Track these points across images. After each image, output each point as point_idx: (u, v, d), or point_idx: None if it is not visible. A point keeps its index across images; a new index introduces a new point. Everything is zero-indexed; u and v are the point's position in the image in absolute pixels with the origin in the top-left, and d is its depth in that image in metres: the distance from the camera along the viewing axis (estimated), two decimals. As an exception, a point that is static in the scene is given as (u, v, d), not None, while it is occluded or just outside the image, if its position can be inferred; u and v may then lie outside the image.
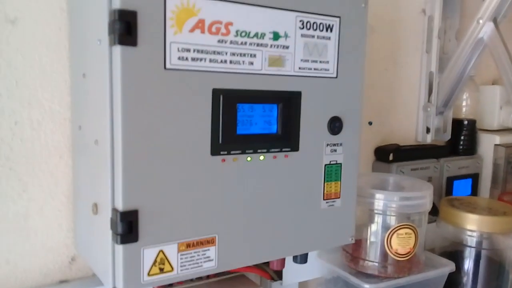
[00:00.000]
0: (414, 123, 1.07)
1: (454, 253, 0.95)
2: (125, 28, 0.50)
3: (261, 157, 0.61)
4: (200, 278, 0.77)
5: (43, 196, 0.66)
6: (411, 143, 1.07)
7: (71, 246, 0.68)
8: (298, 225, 0.66)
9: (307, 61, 0.63)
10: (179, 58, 0.54)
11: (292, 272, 0.83)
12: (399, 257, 0.79)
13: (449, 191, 1.08)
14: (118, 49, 0.50)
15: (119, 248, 0.52)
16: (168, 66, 0.53)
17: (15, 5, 0.61)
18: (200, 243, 0.57)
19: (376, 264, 0.81)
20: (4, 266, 0.64)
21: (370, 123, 1.00)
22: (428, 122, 1.06)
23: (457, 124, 1.11)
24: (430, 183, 0.98)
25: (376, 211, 0.80)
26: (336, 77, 0.67)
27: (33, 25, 0.63)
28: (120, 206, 0.52)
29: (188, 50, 0.54)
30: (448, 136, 1.09)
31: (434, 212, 0.98)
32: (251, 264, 0.64)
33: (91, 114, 0.58)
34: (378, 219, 0.80)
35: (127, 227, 0.52)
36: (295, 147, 0.64)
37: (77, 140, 0.64)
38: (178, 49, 0.53)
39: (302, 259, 0.72)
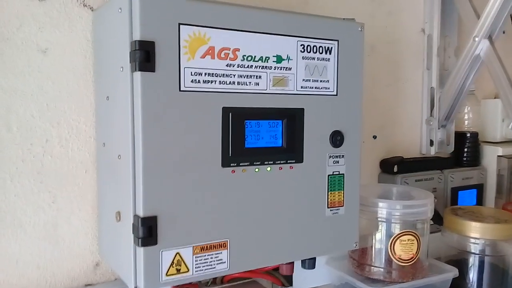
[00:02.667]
0: (418, 136, 1.12)
1: (459, 261, 0.98)
2: (144, 56, 0.57)
3: (268, 169, 0.67)
4: (214, 283, 0.83)
5: (70, 206, 0.72)
6: (416, 156, 1.12)
7: (96, 252, 0.75)
8: (304, 231, 0.71)
9: (308, 80, 0.70)
10: (192, 81, 0.60)
11: (302, 279, 0.88)
12: (403, 262, 0.84)
13: (454, 201, 1.12)
14: (138, 75, 0.57)
15: (140, 250, 0.58)
16: (182, 88, 0.60)
17: (46, 37, 0.69)
18: (213, 247, 0.63)
19: (382, 269, 0.85)
20: (35, 270, 0.71)
21: (374, 137, 1.05)
22: (431, 135, 1.10)
23: (460, 136, 1.15)
24: (435, 193, 1.02)
25: (380, 219, 0.84)
26: (336, 95, 0.73)
27: (62, 54, 0.70)
28: (141, 213, 0.58)
29: (200, 74, 0.61)
30: (451, 148, 1.13)
31: (439, 221, 1.02)
32: (261, 266, 0.70)
33: (114, 132, 0.65)
34: (382, 226, 0.85)
35: (147, 231, 0.58)
36: (299, 159, 0.70)
37: (101, 155, 0.71)
38: (191, 73, 0.60)
39: (310, 264, 0.77)
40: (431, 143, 1.11)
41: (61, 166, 0.72)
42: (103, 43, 0.68)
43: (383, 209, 0.83)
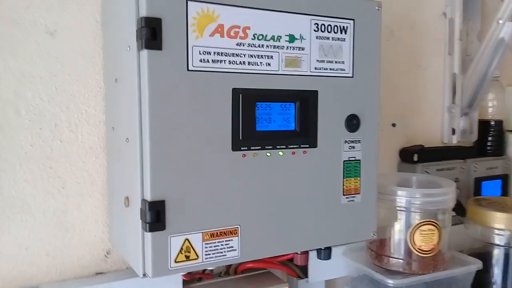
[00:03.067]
0: (439, 125, 1.08)
1: (483, 254, 0.94)
2: (150, 34, 0.55)
3: (280, 153, 0.65)
4: (227, 274, 0.80)
5: (80, 193, 0.71)
6: (437, 145, 1.08)
7: (107, 240, 0.73)
8: (318, 219, 0.68)
9: (322, 61, 0.67)
10: (200, 61, 0.58)
11: (318, 270, 0.85)
12: (423, 253, 0.80)
13: (477, 192, 1.08)
14: (145, 53, 0.55)
15: (148, 236, 0.56)
16: (190, 68, 0.58)
17: (54, 19, 0.68)
18: (224, 233, 0.61)
19: (401, 261, 0.82)
20: (44, 257, 0.69)
21: (393, 125, 1.02)
22: (453, 123, 1.06)
23: (484, 125, 1.11)
24: (457, 184, 0.98)
25: (399, 208, 0.81)
26: (352, 77, 0.70)
27: (71, 36, 0.69)
28: (148, 197, 0.56)
29: (209, 53, 0.59)
30: (474, 137, 1.09)
31: (462, 213, 0.98)
32: (273, 255, 0.67)
33: (123, 115, 0.63)
34: (401, 216, 0.82)
35: (155, 216, 0.56)
36: (313, 144, 0.67)
37: (111, 140, 0.70)
38: (199, 52, 0.58)
39: (325, 255, 0.74)
40: (453, 131, 1.06)
41: (70, 151, 0.70)
42: (111, 23, 0.67)
43: (402, 197, 0.80)
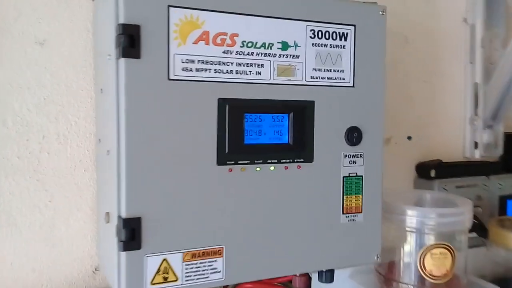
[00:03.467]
0: (460, 138, 1.01)
1: (507, 280, 0.87)
2: (128, 41, 0.52)
3: (272, 168, 0.60)
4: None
5: (68, 207, 0.69)
6: (458, 159, 1.01)
7: (95, 256, 0.71)
8: (314, 240, 0.63)
9: (319, 70, 0.62)
10: (183, 69, 0.55)
11: (322, 293, 0.80)
12: (434, 279, 0.73)
13: (502, 211, 1.00)
14: (122, 61, 0.52)
15: (123, 255, 0.53)
16: (172, 76, 0.54)
17: (44, 29, 0.66)
18: (207, 254, 0.57)
19: (411, 287, 0.75)
20: (30, 274, 0.67)
21: (409, 138, 0.96)
22: (475, 137, 0.99)
23: (510, 138, 1.03)
24: (479, 202, 0.91)
25: (409, 229, 0.75)
26: (353, 86, 0.65)
27: (61, 46, 0.67)
28: (123, 213, 0.53)
29: (193, 61, 0.55)
30: (499, 151, 1.01)
31: (483, 234, 0.91)
32: (263, 278, 0.63)
33: (106, 127, 0.61)
34: (411, 238, 0.75)
35: (130, 234, 0.53)
36: (309, 158, 0.62)
37: (98, 152, 0.67)
38: (182, 60, 0.55)
39: (327, 277, 0.69)
40: (476, 145, 0.99)
41: (58, 164, 0.68)
42: (98, 32, 0.65)
43: (412, 217, 0.74)
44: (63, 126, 0.68)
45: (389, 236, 0.76)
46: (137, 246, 0.53)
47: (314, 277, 0.71)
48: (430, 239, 0.74)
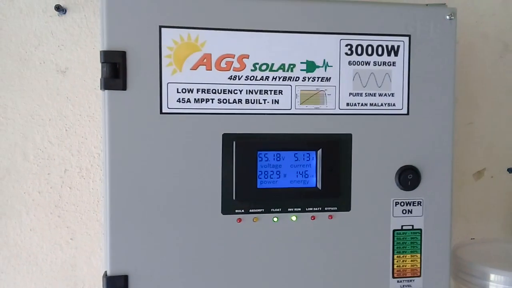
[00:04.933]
0: None
1: None
2: (110, 72, 0.45)
3: (293, 218, 0.49)
4: None
5: (90, 245, 0.64)
6: None
7: (117, 300, 0.65)
8: (352, 309, 0.50)
9: (359, 95, 0.49)
10: (178, 100, 0.46)
11: None
12: None
13: None
14: (106, 94, 0.45)
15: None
16: (164, 109, 0.46)
17: (66, 57, 0.62)
18: (207, 322, 0.47)
19: None
20: (49, 314, 0.64)
21: (510, 171, 0.75)
22: None
23: None
24: None
25: (494, 296, 0.57)
26: (408, 114, 0.50)
27: (83, 74, 0.63)
28: (108, 270, 0.46)
29: (191, 91, 0.46)
30: None
31: None
32: None
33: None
34: (498, 307, 0.57)
35: (115, 295, 0.45)
36: (344, 206, 0.49)
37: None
38: (177, 90, 0.46)
39: None
40: None
41: (81, 199, 0.64)
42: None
43: (497, 284, 0.56)
44: (86, 159, 0.63)
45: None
46: (122, 311, 0.45)
47: None
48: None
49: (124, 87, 0.45)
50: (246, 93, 0.47)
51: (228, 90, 0.47)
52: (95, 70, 0.63)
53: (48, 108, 0.63)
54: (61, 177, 0.63)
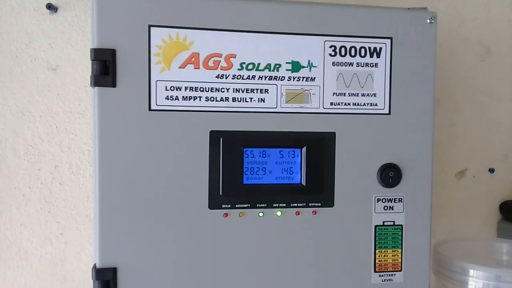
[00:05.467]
0: None
1: None
2: (100, 69, 0.46)
3: (278, 213, 0.50)
4: None
5: (80, 240, 0.65)
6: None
7: (106, 295, 0.66)
8: (335, 302, 0.52)
9: (342, 94, 0.51)
10: (167, 98, 0.47)
11: None
12: None
13: None
14: (95, 91, 0.46)
15: (96, 315, 0.47)
16: (153, 107, 0.47)
17: (57, 54, 0.63)
18: (194, 314, 0.49)
19: None
20: (39, 309, 0.64)
21: (491, 171, 0.78)
22: None
23: None
24: None
25: (473, 291, 0.59)
26: (389, 113, 0.52)
27: (74, 71, 0.64)
28: (97, 262, 0.47)
29: (179, 89, 0.48)
30: None
31: None
32: None
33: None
34: (477, 302, 0.59)
35: (103, 286, 0.46)
36: (328, 202, 0.51)
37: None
38: (166, 87, 0.47)
39: None
40: None
41: (71, 195, 0.65)
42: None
43: (476, 279, 0.58)
44: (76, 155, 0.65)
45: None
46: (110, 302, 0.47)
47: None
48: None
49: (113, 84, 0.46)
50: (233, 92, 0.49)
51: (216, 89, 0.48)
52: (85, 68, 0.64)
53: (38, 104, 0.63)
54: (51, 173, 0.64)
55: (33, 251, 0.64)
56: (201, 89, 0.48)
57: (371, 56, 0.51)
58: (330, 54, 0.50)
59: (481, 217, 0.78)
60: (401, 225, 0.53)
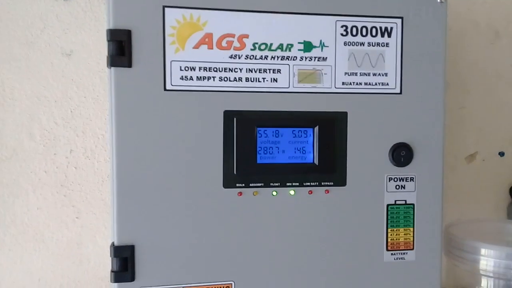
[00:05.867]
0: None
1: None
2: (116, 49, 0.46)
3: (292, 192, 0.51)
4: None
5: (96, 223, 0.66)
6: None
7: (121, 277, 0.67)
8: (349, 281, 0.52)
9: (354, 74, 0.51)
10: (181, 78, 0.48)
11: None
12: (520, 338, 0.57)
13: None
14: (112, 71, 0.47)
15: (114, 287, 0.48)
16: (168, 87, 0.48)
17: (71, 39, 0.64)
18: (211, 291, 0.50)
19: None
20: (56, 290, 0.66)
21: (501, 154, 0.78)
22: None
23: None
24: None
25: (483, 273, 0.59)
26: (400, 93, 0.52)
27: (88, 56, 0.65)
28: (115, 240, 0.48)
29: (193, 69, 0.48)
30: None
31: None
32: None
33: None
34: (487, 282, 0.60)
35: (121, 264, 0.47)
36: (340, 181, 0.52)
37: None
38: (180, 67, 0.48)
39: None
40: None
41: (86, 179, 0.66)
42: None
43: (488, 258, 0.58)
44: (90, 140, 0.66)
45: (460, 276, 0.62)
46: (130, 278, 0.48)
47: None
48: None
49: (129, 65, 0.47)
50: (246, 72, 0.49)
51: (229, 69, 0.49)
52: (98, 54, 0.65)
53: (53, 90, 0.65)
54: (67, 157, 0.65)
55: (49, 234, 0.65)
56: (215, 69, 0.49)
57: (382, 36, 0.52)
58: (342, 34, 0.51)
59: (491, 200, 0.78)
60: (413, 204, 0.53)
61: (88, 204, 0.66)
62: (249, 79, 0.49)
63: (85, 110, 0.65)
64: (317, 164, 0.51)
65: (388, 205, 0.53)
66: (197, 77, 0.48)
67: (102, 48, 0.65)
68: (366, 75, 0.52)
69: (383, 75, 0.52)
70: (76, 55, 0.65)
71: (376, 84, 0.52)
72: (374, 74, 0.52)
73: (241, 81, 0.49)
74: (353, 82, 0.51)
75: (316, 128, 0.51)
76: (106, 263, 0.67)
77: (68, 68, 0.65)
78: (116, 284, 0.48)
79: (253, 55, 0.49)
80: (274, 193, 0.50)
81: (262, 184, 0.50)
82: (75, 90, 0.65)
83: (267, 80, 0.50)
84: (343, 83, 0.51)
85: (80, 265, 0.66)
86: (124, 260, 0.48)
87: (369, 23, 0.51)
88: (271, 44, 0.50)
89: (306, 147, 0.51)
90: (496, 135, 0.77)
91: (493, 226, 0.67)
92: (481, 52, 0.76)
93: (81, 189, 0.66)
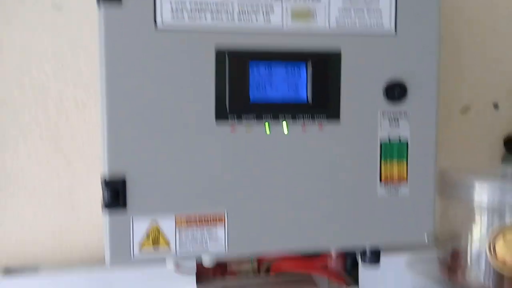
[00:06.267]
0: None
1: None
2: (106, -16, 0.46)
3: (285, 130, 0.51)
4: (258, 272, 0.69)
5: (87, 171, 0.66)
6: None
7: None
8: (341, 213, 0.53)
9: (348, 11, 0.51)
10: (173, 16, 0.48)
11: (370, 281, 0.68)
12: (508, 270, 0.58)
13: None
14: (101, 7, 0.47)
15: (106, 218, 0.48)
16: (159, 26, 0.48)
17: (62, -7, 0.64)
18: (204, 220, 0.50)
19: (481, 277, 0.61)
20: (50, 239, 0.66)
21: (495, 106, 0.78)
22: None
23: None
24: None
25: (477, 207, 0.60)
26: (395, 33, 0.52)
27: (78, 8, 0.64)
28: (106, 174, 0.48)
29: (184, 7, 0.48)
30: None
31: None
32: (275, 250, 0.53)
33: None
34: (482, 218, 0.61)
35: (113, 196, 0.48)
36: (334, 116, 0.52)
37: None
38: (171, 5, 0.48)
39: (371, 258, 0.58)
40: None
41: (77, 130, 0.66)
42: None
43: (482, 191, 0.59)
44: (81, 91, 0.65)
45: (454, 216, 0.63)
46: (121, 208, 0.48)
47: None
48: (503, 220, 0.59)
49: (119, 1, 0.46)
50: (239, 9, 0.49)
51: (221, 6, 0.49)
52: (89, 5, 0.64)
53: (43, 42, 0.64)
54: (58, 108, 0.65)
55: (40, 182, 0.65)
56: (206, 6, 0.48)
57: (375, -29, 0.51)
58: (334, -30, 0.51)
59: (485, 152, 0.79)
60: (407, 140, 0.54)
61: (78, 154, 0.66)
62: (242, 19, 0.49)
63: (76, 63, 0.65)
64: (310, 100, 0.51)
65: (381, 140, 0.53)
66: (189, 16, 0.48)
67: (92, 2, 0.64)
68: (361, 12, 0.51)
69: (376, 12, 0.52)
70: (67, 7, 0.64)
71: (371, 25, 0.52)
72: (369, 12, 0.52)
73: (234, 20, 0.49)
74: (347, 21, 0.51)
75: (310, 66, 0.51)
76: (98, 211, 0.66)
77: (59, 20, 0.64)
78: (107, 215, 0.48)
79: (245, -7, 0.49)
80: (267, 129, 0.50)
81: (254, 120, 0.50)
82: (65, 42, 0.64)
83: (259, 20, 0.49)
84: (337, 22, 0.51)
85: (72, 212, 0.66)
86: (116, 194, 0.48)
87: (361, -42, 0.51)
88: (263, -20, 0.49)
89: (299, 84, 0.51)
90: (491, 87, 0.78)
91: (487, 170, 0.68)
92: (476, 7, 0.75)
93: (72, 139, 0.66)
